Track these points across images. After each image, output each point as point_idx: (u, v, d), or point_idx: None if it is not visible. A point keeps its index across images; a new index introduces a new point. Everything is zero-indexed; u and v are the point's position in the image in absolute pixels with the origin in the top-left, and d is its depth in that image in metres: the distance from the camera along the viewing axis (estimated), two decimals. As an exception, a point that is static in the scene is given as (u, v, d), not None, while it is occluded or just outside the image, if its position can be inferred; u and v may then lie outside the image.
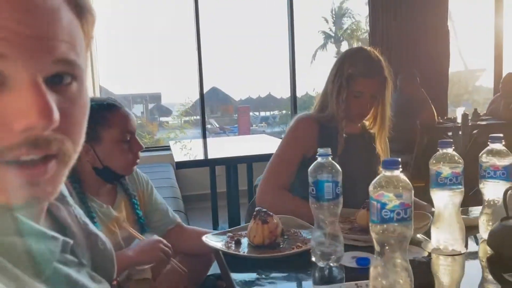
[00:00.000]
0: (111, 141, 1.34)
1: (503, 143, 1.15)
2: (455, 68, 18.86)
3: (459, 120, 4.29)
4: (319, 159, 1.00)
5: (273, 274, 1.05)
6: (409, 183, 0.80)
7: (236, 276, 1.05)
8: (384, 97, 1.64)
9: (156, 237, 1.40)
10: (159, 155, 5.08)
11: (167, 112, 17.72)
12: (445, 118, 4.62)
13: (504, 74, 4.98)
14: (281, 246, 1.16)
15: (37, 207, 0.49)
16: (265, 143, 3.79)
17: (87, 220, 0.64)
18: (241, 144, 3.91)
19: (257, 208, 1.21)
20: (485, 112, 5.03)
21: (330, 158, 1.01)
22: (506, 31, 5.61)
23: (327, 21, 19.74)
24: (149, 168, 3.87)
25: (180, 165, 3.14)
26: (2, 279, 0.42)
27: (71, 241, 0.53)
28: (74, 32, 0.47)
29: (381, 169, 0.84)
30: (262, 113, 20.17)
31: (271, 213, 1.19)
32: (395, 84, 4.48)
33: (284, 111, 16.58)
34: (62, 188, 0.55)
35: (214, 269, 1.57)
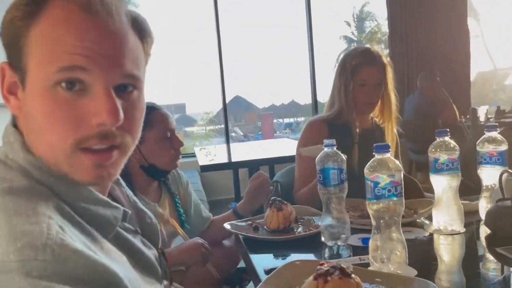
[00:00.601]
0: (153, 140, 1.43)
1: (498, 130, 1.23)
2: (482, 68, 18.48)
3: (482, 118, 4.27)
4: (325, 149, 1.12)
5: (288, 255, 1.14)
6: (399, 164, 0.90)
7: (255, 257, 1.12)
8: (387, 84, 1.70)
9: (199, 239, 1.46)
10: (185, 162, 5.12)
11: (191, 121, 17.85)
12: (467, 117, 4.57)
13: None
14: (295, 230, 1.25)
15: (103, 184, 0.61)
16: (286, 146, 3.82)
17: (136, 199, 0.76)
18: (263, 148, 3.97)
19: (272, 198, 1.32)
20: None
21: (335, 148, 1.12)
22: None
23: (349, 25, 19.66)
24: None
25: (205, 169, 3.23)
26: (81, 233, 0.53)
27: (129, 211, 0.65)
28: (137, 52, 0.59)
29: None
30: (286, 120, 19.94)
31: (285, 202, 1.30)
32: (415, 85, 4.55)
33: (308, 117, 16.26)
34: None
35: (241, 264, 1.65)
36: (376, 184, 0.89)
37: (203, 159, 3.45)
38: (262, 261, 1.09)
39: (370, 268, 0.94)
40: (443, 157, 1.13)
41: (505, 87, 15.02)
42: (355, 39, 19.57)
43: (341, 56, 1.80)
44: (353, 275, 0.74)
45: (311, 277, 0.75)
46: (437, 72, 4.39)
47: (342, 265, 0.75)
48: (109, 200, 0.61)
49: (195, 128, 14.98)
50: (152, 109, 1.44)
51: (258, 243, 1.25)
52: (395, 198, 0.89)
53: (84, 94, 0.54)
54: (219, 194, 4.88)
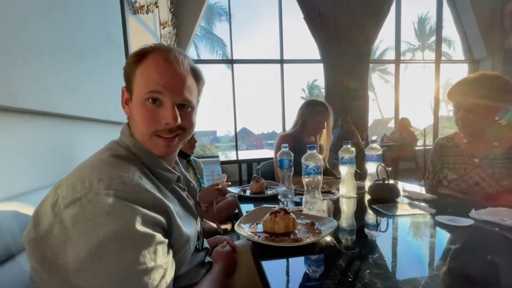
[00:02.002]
0: None
1: (378, 143, 1.24)
2: (376, 116, 18.75)
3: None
4: (282, 149, 1.12)
5: (261, 204, 1.12)
6: (319, 156, 0.90)
7: (243, 206, 1.10)
8: (328, 121, 1.65)
9: (212, 184, 1.37)
10: (213, 159, 5.16)
11: (219, 140, 18.02)
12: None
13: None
14: (265, 192, 1.25)
15: (169, 157, 0.61)
16: (267, 153, 3.86)
17: (185, 172, 0.73)
18: (254, 154, 3.99)
19: (254, 175, 1.32)
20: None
21: (287, 149, 1.13)
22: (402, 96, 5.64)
23: (304, 91, 19.88)
24: (207, 166, 3.94)
25: (223, 162, 3.33)
26: (152, 184, 0.53)
27: (181, 177, 0.64)
28: (193, 87, 0.60)
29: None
30: (269, 141, 20.10)
31: (261, 178, 1.29)
32: (337, 123, 4.60)
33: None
34: None
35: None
36: (307, 166, 0.89)
37: (222, 158, 3.56)
38: (247, 208, 1.07)
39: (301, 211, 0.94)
40: (346, 156, 1.14)
41: (387, 128, 15.16)
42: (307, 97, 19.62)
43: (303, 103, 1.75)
44: (291, 214, 0.74)
45: (268, 214, 0.75)
46: (349, 117, 4.44)
47: (285, 208, 0.75)
48: (170, 168, 0.61)
49: (221, 144, 15.17)
50: None
51: (245, 198, 1.23)
52: (317, 175, 0.89)
53: (160, 106, 0.56)
54: (231, 177, 4.82)
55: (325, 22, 4.51)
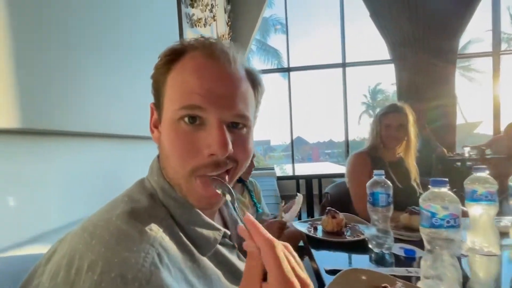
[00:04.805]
0: None
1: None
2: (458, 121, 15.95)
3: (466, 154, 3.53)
4: (375, 177, 0.80)
5: (340, 253, 0.83)
6: (455, 197, 0.55)
7: (315, 252, 0.84)
8: (408, 126, 1.27)
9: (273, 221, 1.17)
10: (268, 172, 4.99)
11: (273, 150, 17.90)
12: (454, 153, 3.78)
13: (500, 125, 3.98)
14: (345, 233, 0.92)
15: (212, 209, 0.42)
16: (328, 167, 3.44)
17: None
18: (313, 168, 3.63)
19: (328, 208, 1.01)
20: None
21: (383, 177, 0.80)
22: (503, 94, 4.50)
23: (366, 97, 18.33)
24: (261, 180, 3.77)
25: (279, 178, 2.99)
26: (183, 252, 0.35)
27: (229, 232, 0.45)
28: (249, 97, 0.41)
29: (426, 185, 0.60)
30: (327, 151, 19.16)
31: (337, 211, 0.99)
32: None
33: (340, 150, 15.97)
34: None
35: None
36: (433, 214, 0.56)
37: (278, 172, 3.23)
38: (322, 257, 0.79)
39: (420, 283, 0.60)
40: (480, 189, 0.74)
41: (474, 134, 12.62)
42: (370, 105, 18.15)
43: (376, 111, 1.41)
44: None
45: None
46: (425, 122, 3.71)
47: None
48: (213, 223, 0.41)
49: (275, 154, 14.99)
50: None
51: (318, 241, 0.93)
52: (452, 229, 0.55)
53: (202, 127, 0.37)
54: (286, 191, 4.55)
55: (397, 18, 3.93)
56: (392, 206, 0.78)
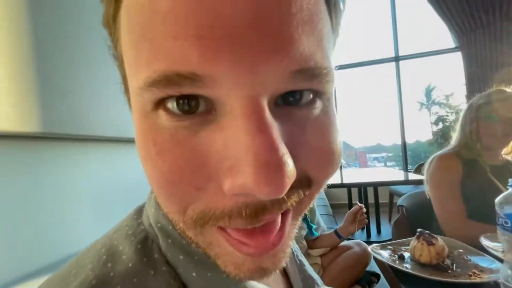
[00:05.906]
0: None
1: None
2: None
3: None
4: (511, 189, 0.53)
5: None
6: None
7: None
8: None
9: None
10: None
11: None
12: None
13: None
14: (451, 267, 0.65)
15: (264, 278, 0.16)
16: (380, 173, 3.02)
17: (304, 261, 0.31)
18: (365, 175, 3.24)
19: (419, 230, 0.75)
20: None
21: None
22: None
23: (423, 93, 16.65)
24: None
25: (328, 186, 2.72)
26: None
27: None
28: (320, 22, 0.14)
29: None
30: (374, 155, 17.75)
31: (434, 235, 0.73)
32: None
33: (390, 154, 14.64)
34: None
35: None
36: None
37: None
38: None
39: None
40: None
41: None
42: (425, 104, 16.38)
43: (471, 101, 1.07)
44: None
45: None
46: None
47: None
48: None
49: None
50: None
51: (407, 276, 0.67)
52: None
53: (207, 122, 0.14)
54: (335, 200, 4.17)
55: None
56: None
